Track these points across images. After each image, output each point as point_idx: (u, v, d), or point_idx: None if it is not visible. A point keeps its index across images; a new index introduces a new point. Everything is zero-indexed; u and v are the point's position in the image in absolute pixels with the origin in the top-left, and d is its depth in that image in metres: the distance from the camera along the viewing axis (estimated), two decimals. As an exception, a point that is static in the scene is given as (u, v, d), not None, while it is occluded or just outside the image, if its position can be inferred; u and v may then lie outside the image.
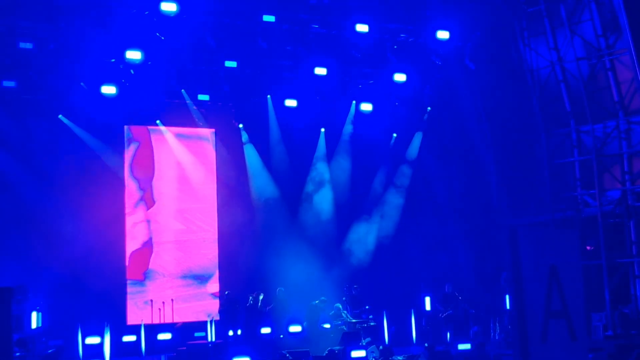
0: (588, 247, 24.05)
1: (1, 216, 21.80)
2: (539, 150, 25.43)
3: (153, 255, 24.17)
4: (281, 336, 21.99)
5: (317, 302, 22.62)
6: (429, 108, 26.48)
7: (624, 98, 23.64)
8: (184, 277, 24.47)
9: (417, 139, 26.79)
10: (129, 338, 22.31)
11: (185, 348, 20.26)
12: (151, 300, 23.26)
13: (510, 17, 25.18)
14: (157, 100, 23.67)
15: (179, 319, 23.74)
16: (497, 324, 22.73)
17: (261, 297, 22.23)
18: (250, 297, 22.09)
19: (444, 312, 23.04)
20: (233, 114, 25.14)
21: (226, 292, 22.53)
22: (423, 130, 26.74)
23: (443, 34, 23.23)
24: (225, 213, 24.99)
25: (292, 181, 25.77)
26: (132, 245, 23.93)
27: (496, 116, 25.92)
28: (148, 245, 24.15)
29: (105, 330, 21.06)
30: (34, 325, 19.98)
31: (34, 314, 20.00)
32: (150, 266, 24.07)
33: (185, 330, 23.06)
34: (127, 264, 23.77)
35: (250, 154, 25.50)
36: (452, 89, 26.05)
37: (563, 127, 25.04)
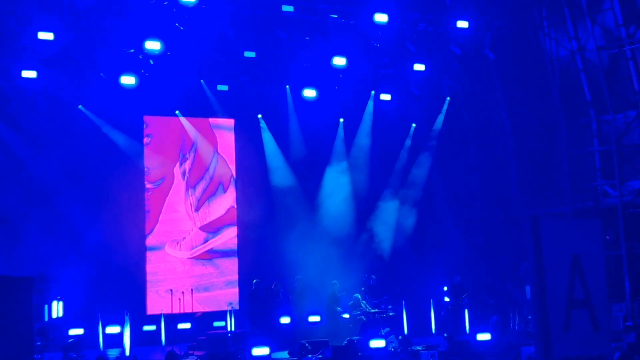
0: (607, 237, 23.94)
1: (22, 206, 21.92)
2: (559, 140, 25.31)
3: (173, 244, 24.25)
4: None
5: (331, 291, 22.61)
6: (448, 98, 26.44)
7: (644, 88, 23.52)
8: (204, 266, 24.56)
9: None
10: (149, 327, 22.43)
11: (205, 337, 20.34)
12: (171, 290, 23.34)
13: (530, 6, 25.07)
14: (177, 90, 23.69)
15: (198, 308, 23.83)
16: (517, 314, 22.67)
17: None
18: (272, 285, 22.12)
19: (455, 303, 23.07)
20: (252, 104, 25.14)
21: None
22: (442, 122, 26.69)
23: (463, 24, 23.22)
24: (245, 202, 25.05)
25: (311, 171, 25.79)
26: (151, 235, 24.02)
27: (516, 106, 25.83)
28: (168, 234, 24.23)
29: (126, 320, 21.13)
30: (54, 314, 20.12)
31: (54, 304, 20.13)
32: (171, 255, 24.16)
33: (205, 320, 23.15)
34: (147, 253, 23.87)
35: (269, 143, 25.53)
36: (471, 79, 25.96)
37: (583, 117, 24.92)
